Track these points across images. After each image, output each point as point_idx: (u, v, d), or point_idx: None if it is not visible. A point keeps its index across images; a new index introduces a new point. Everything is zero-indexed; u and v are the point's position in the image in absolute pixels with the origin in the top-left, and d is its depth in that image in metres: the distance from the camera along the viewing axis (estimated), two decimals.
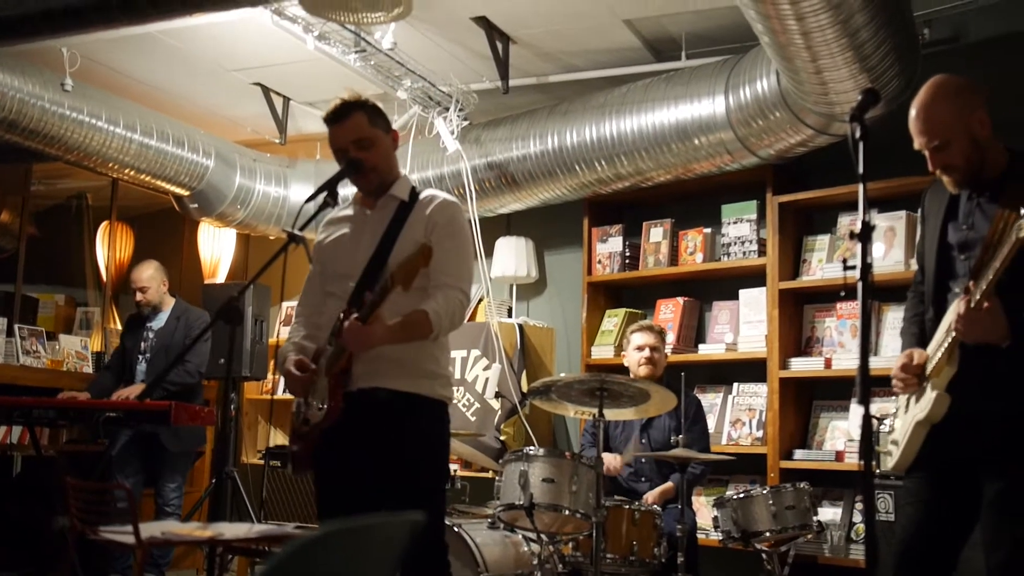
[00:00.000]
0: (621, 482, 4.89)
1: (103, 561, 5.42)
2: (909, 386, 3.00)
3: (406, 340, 3.01)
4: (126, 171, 6.05)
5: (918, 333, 3.12)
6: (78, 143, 5.67)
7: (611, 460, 4.73)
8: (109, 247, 7.71)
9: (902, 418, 3.03)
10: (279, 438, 7.14)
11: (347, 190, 3.56)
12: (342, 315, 3.04)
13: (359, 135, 3.16)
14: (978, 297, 2.73)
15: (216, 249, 7.66)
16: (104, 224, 7.81)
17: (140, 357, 5.70)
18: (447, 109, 5.80)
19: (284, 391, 6.88)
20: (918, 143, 2.96)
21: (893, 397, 3.13)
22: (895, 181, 4.79)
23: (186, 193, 6.43)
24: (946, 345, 2.86)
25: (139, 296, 5.73)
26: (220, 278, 7.59)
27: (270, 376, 6.42)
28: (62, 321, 7.66)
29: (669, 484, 4.76)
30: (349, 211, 3.33)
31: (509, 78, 5.49)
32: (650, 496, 4.71)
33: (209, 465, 6.93)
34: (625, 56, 5.57)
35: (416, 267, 2.81)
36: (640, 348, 4.94)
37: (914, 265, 4.69)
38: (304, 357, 3.16)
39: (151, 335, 5.72)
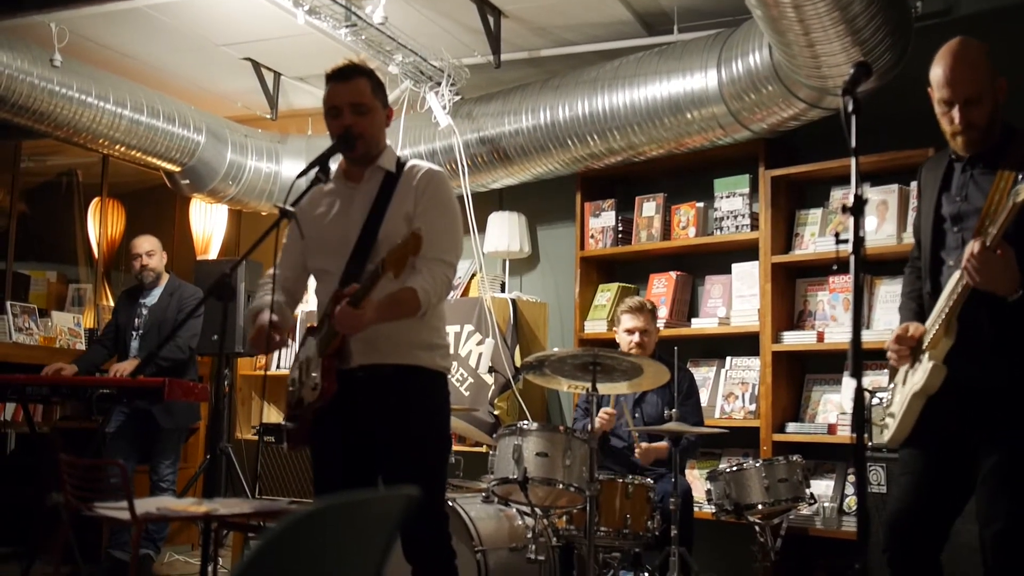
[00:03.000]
0: (616, 451, 4.88)
1: (100, 538, 5.44)
2: (903, 358, 3.01)
3: (395, 318, 3.01)
4: (116, 147, 6.02)
5: (916, 308, 3.13)
6: (68, 119, 5.64)
7: (603, 412, 4.68)
8: (100, 224, 7.69)
9: (899, 391, 3.04)
10: (273, 414, 7.14)
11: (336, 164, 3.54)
12: (335, 294, 3.03)
13: (359, 99, 3.13)
14: (991, 240, 2.71)
15: (208, 225, 7.64)
16: (95, 201, 7.78)
17: (134, 333, 5.69)
18: (439, 84, 5.78)
19: (278, 367, 6.90)
20: (949, 94, 2.91)
21: (886, 370, 3.14)
22: (887, 155, 4.79)
23: (177, 169, 6.41)
24: (944, 316, 2.87)
25: (144, 260, 5.69)
26: (212, 254, 7.59)
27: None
28: (54, 298, 7.64)
29: (664, 443, 4.74)
30: (331, 185, 3.28)
31: (501, 52, 5.46)
32: (641, 447, 4.71)
33: (203, 441, 6.94)
34: (617, 30, 5.55)
35: (406, 254, 2.80)
36: (630, 331, 4.92)
37: (907, 238, 4.72)
38: (273, 319, 3.04)
39: (144, 311, 5.71)
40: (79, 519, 3.77)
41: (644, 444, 4.72)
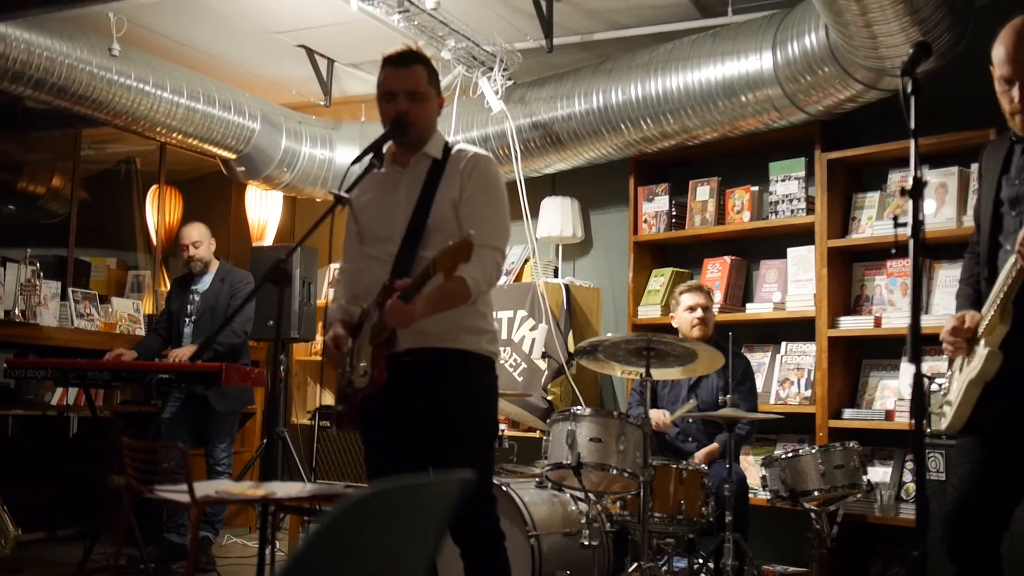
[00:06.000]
0: (668, 441, 4.90)
1: (159, 520, 5.53)
2: (959, 350, 2.97)
3: (446, 308, 3.01)
4: (173, 135, 6.10)
5: (972, 294, 3.08)
6: (126, 108, 5.72)
7: (659, 416, 4.73)
8: (158, 211, 7.80)
9: (956, 378, 2.99)
10: (328, 398, 7.20)
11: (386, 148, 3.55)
12: (386, 284, 3.04)
13: (415, 87, 3.13)
14: None
15: (263, 212, 7.72)
16: (153, 188, 7.90)
17: (186, 320, 5.76)
18: (491, 69, 5.77)
19: None
20: (1010, 71, 2.84)
21: (944, 356, 3.10)
22: (947, 136, 4.72)
23: (233, 156, 6.48)
24: (999, 302, 2.82)
25: (192, 251, 5.76)
26: (268, 240, 7.66)
27: (319, 337, 6.48)
28: (114, 284, 7.77)
29: (714, 445, 4.76)
30: (381, 169, 3.30)
31: (553, 36, 5.44)
32: (697, 457, 4.71)
33: (260, 426, 7.03)
34: (670, 12, 5.50)
35: (458, 260, 2.76)
36: (692, 308, 4.92)
37: (967, 222, 4.65)
38: (342, 333, 3.18)
39: (196, 297, 5.78)
40: (138, 501, 3.84)
41: (695, 458, 4.70)
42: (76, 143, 7.24)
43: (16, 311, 5.84)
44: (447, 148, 3.24)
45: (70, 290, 6.46)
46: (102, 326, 6.56)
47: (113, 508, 5.30)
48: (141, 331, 6.69)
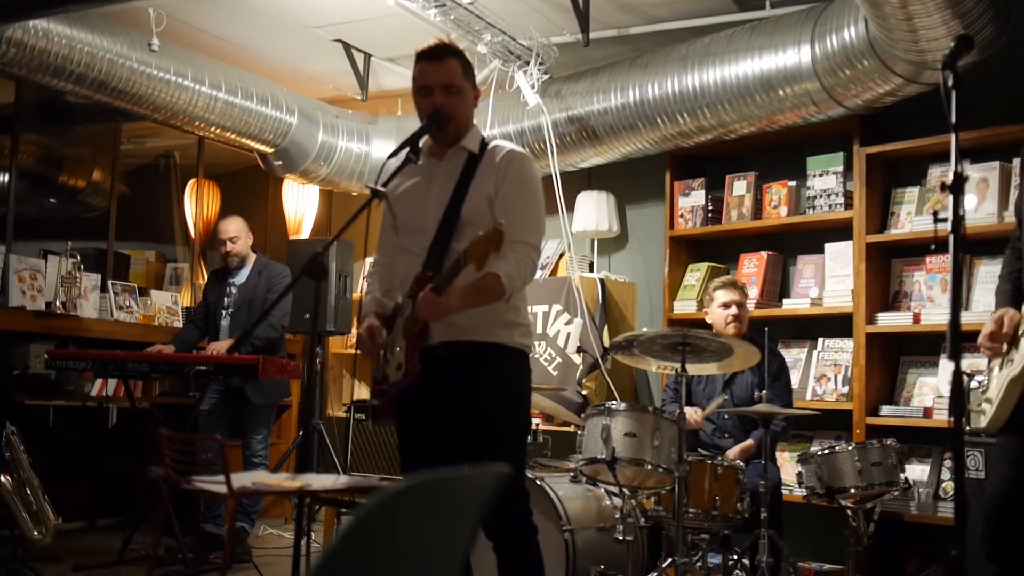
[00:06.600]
0: (703, 438, 4.88)
1: (196, 511, 5.59)
2: (997, 354, 2.94)
3: (480, 304, 3.01)
4: (212, 129, 6.16)
5: (1012, 291, 3.04)
6: (165, 102, 5.78)
7: (691, 413, 4.71)
8: (196, 204, 7.86)
9: (995, 375, 2.96)
10: (363, 391, 7.24)
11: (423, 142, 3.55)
12: (418, 276, 3.05)
13: (451, 80, 3.12)
14: None
15: (300, 205, 7.76)
16: (191, 182, 7.96)
17: (224, 312, 5.80)
18: (527, 63, 5.77)
19: None
20: None
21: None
22: (988, 131, 4.66)
23: (270, 150, 6.52)
24: None
25: (228, 247, 5.80)
26: (304, 234, 7.70)
27: (354, 331, 6.51)
28: (153, 277, 7.84)
29: (750, 441, 4.73)
30: (418, 162, 3.29)
31: (590, 30, 5.43)
32: (731, 453, 4.69)
33: (296, 418, 7.07)
34: (708, 6, 5.47)
35: (488, 249, 2.77)
36: (726, 305, 4.90)
37: (1008, 217, 4.59)
38: (376, 324, 3.18)
39: (234, 290, 5.82)
40: (176, 492, 3.88)
41: (730, 454, 4.68)
42: (116, 137, 7.31)
43: (57, 303, 5.92)
44: (484, 143, 3.24)
45: (110, 282, 6.53)
46: (141, 318, 6.63)
47: (152, 498, 5.37)
48: (179, 323, 6.76)
